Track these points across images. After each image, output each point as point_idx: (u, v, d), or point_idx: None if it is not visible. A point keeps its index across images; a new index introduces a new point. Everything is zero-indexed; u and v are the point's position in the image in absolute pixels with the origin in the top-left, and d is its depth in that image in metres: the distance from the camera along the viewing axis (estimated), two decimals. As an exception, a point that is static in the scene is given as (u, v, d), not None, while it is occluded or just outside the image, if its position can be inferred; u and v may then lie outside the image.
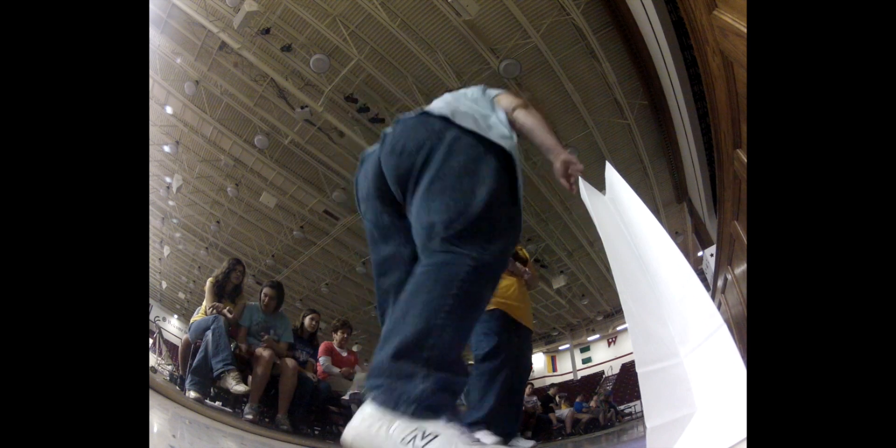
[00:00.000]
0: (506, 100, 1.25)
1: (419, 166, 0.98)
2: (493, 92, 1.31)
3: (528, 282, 2.31)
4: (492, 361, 1.79)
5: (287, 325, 2.96)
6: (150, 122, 7.98)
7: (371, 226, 1.13)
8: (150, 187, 9.59)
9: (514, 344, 1.92)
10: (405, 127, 1.07)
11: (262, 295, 2.94)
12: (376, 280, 1.11)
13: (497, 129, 1.08)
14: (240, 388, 2.33)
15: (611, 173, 1.69)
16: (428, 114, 1.07)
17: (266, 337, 2.69)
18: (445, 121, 1.04)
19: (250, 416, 2.31)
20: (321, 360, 3.15)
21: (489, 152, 1.01)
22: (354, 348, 3.94)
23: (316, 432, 3.07)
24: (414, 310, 0.79)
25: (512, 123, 1.20)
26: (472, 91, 1.30)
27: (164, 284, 15.10)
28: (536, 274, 2.43)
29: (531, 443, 1.54)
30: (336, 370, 3.21)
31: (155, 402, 1.49)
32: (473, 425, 1.69)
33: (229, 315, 2.69)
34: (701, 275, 4.63)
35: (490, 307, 1.90)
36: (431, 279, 0.83)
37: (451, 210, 0.91)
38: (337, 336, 3.40)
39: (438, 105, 1.16)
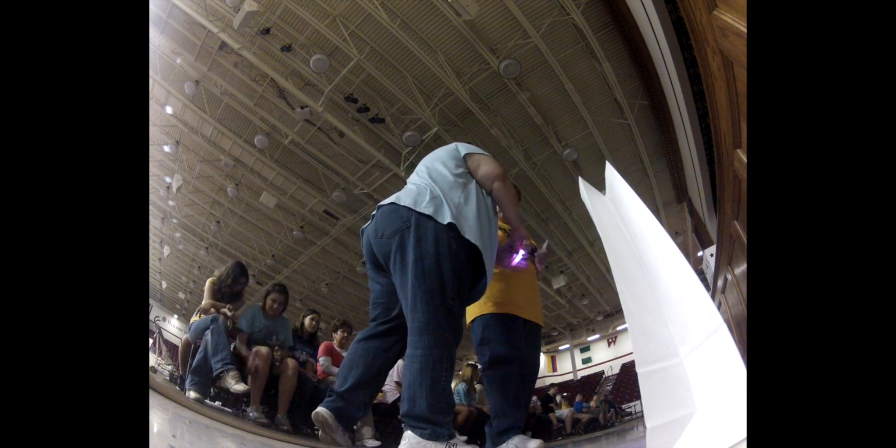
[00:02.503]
0: (486, 166, 1.54)
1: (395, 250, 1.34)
2: (464, 150, 1.58)
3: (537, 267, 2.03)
4: (504, 367, 1.70)
5: (289, 330, 2.94)
6: (150, 122, 7.98)
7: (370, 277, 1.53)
8: (150, 187, 9.59)
9: (522, 344, 1.82)
10: (382, 214, 1.42)
11: (270, 300, 2.85)
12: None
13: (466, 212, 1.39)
14: (239, 387, 2.32)
15: (611, 173, 1.69)
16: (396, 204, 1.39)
17: (279, 351, 2.61)
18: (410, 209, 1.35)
19: (254, 415, 2.31)
20: (321, 360, 3.15)
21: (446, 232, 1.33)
22: (355, 348, 3.91)
23: (316, 432, 3.06)
24: (424, 385, 1.20)
25: (488, 190, 1.54)
26: (445, 157, 1.55)
27: (164, 284, 15.10)
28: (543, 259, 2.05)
29: (538, 442, 1.54)
30: (336, 370, 3.20)
31: (155, 402, 1.50)
32: (509, 431, 1.61)
33: (229, 313, 2.63)
34: (701, 275, 4.63)
35: (498, 311, 1.80)
36: (429, 361, 1.22)
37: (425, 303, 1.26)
38: (337, 336, 3.40)
39: (409, 186, 1.48)
